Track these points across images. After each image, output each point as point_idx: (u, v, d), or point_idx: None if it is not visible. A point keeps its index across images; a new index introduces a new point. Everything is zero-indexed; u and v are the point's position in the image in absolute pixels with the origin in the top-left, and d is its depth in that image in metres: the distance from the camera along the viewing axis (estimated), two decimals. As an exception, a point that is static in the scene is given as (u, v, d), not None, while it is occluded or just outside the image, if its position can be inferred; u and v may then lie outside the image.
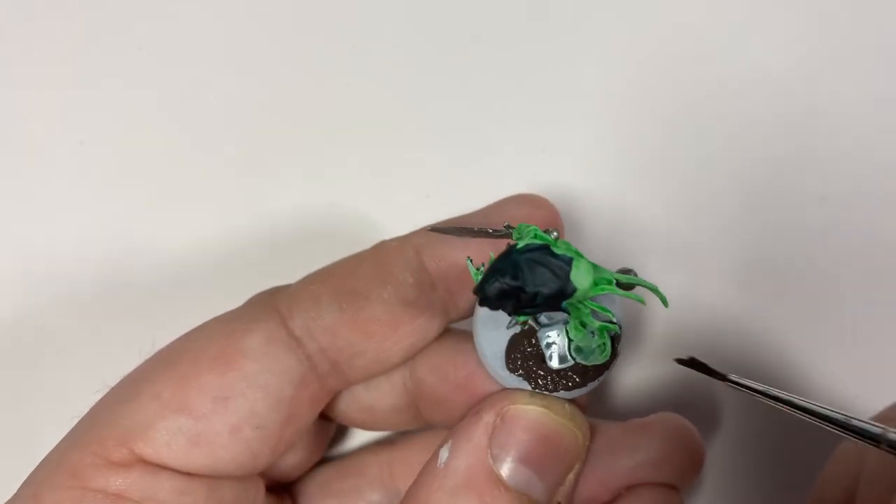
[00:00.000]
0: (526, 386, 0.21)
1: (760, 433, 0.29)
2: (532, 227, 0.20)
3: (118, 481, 0.20)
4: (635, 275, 0.21)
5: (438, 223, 0.24)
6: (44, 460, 0.21)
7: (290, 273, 0.25)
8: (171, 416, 0.21)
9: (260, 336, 0.22)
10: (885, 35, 0.32)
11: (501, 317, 0.21)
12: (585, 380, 0.21)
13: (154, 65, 0.33)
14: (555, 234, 0.20)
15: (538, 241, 0.19)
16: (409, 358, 0.24)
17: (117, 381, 0.23)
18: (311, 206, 0.32)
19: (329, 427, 0.28)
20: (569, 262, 0.19)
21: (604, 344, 0.21)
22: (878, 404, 0.29)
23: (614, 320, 0.21)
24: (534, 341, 0.21)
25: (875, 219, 0.30)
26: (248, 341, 0.22)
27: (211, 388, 0.21)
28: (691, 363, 0.22)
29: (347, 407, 0.25)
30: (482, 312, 0.22)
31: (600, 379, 0.22)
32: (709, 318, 0.30)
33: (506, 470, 0.20)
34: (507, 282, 0.18)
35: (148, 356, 0.23)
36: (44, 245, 0.32)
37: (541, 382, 0.21)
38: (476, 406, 0.21)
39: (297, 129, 0.33)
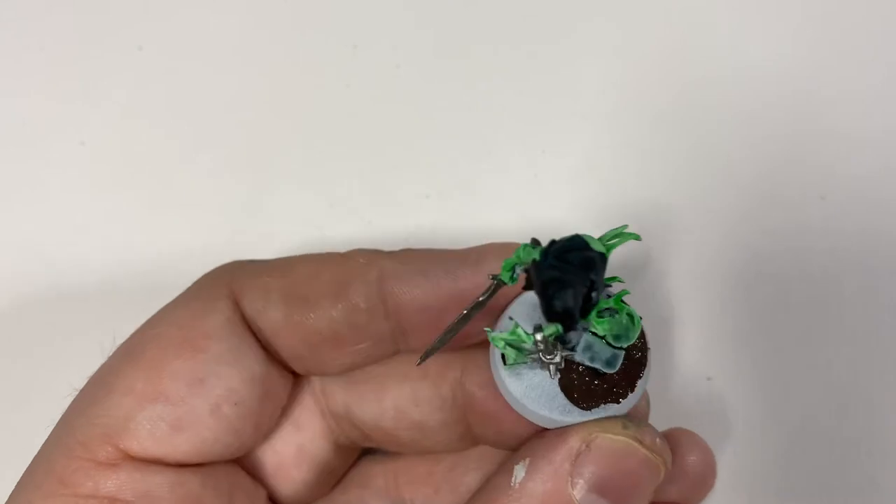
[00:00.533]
0: (590, 416, 0.20)
1: (763, 441, 0.29)
2: (516, 251, 0.19)
3: (108, 483, 0.20)
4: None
5: (411, 250, 0.23)
6: (29, 469, 0.21)
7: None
8: (148, 405, 0.21)
9: (220, 317, 0.22)
10: (885, 35, 0.32)
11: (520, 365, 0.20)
12: (641, 368, 0.20)
13: (154, 65, 0.33)
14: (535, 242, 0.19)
15: (560, 242, 0.18)
16: (356, 369, 0.24)
17: (84, 382, 0.22)
18: (311, 205, 0.32)
19: (348, 456, 0.27)
20: (583, 242, 0.18)
21: (629, 314, 0.20)
22: (878, 404, 0.29)
23: (621, 282, 0.20)
24: (581, 368, 0.20)
25: (875, 219, 0.31)
26: (210, 322, 0.22)
27: (183, 373, 0.21)
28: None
29: (396, 426, 0.24)
30: (499, 363, 0.21)
31: (648, 363, 0.21)
32: (708, 317, 0.30)
33: (585, 499, 0.19)
34: (575, 285, 0.17)
35: (110, 353, 0.23)
36: (43, 245, 0.32)
37: (604, 401, 0.20)
38: (562, 429, 0.20)
39: (297, 129, 0.33)
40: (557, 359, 0.20)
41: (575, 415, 0.20)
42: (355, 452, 0.27)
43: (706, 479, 0.23)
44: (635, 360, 0.20)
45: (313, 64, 0.33)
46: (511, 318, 0.21)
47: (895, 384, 0.29)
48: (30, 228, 0.32)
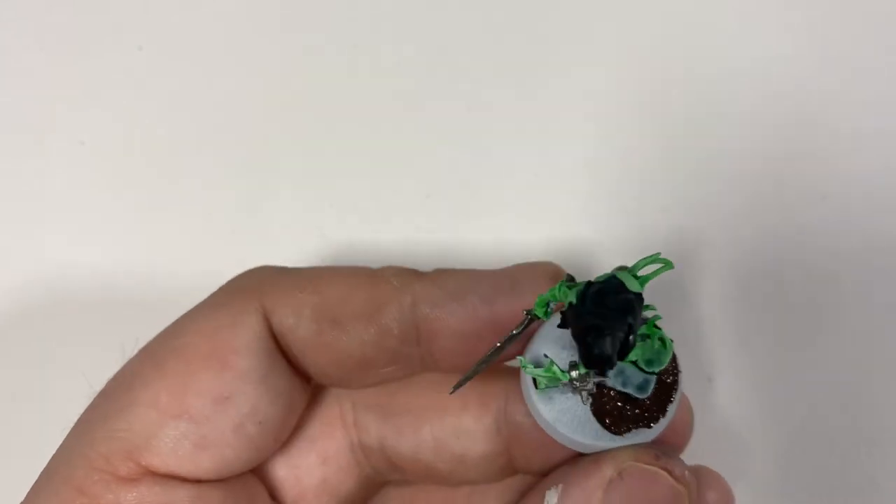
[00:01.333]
0: (622, 441, 0.20)
1: (763, 441, 0.29)
2: (551, 289, 0.19)
3: (129, 497, 0.20)
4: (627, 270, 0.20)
5: (444, 271, 0.23)
6: (46, 474, 0.21)
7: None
8: (172, 422, 0.20)
9: (249, 331, 0.21)
10: (885, 34, 0.32)
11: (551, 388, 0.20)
12: (672, 392, 0.20)
13: (154, 65, 0.33)
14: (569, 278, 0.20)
15: (597, 282, 0.18)
16: (379, 384, 0.24)
17: (103, 384, 0.22)
18: (311, 206, 0.32)
19: (373, 488, 0.26)
20: (619, 283, 0.18)
21: (661, 339, 0.20)
22: (878, 404, 0.29)
23: (653, 309, 0.20)
24: (612, 393, 0.20)
25: (876, 219, 0.30)
26: (239, 337, 0.21)
27: (209, 389, 0.21)
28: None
29: (435, 459, 0.24)
30: (530, 386, 0.21)
31: (679, 387, 0.21)
32: (708, 317, 0.30)
33: None
34: (614, 331, 0.17)
35: (131, 355, 0.22)
36: (43, 244, 0.32)
37: (636, 426, 0.20)
38: (595, 456, 0.21)
39: (297, 129, 0.33)
40: (590, 385, 0.20)
41: (607, 440, 0.20)
42: (380, 485, 0.26)
43: None
44: (667, 384, 0.21)
45: (313, 64, 0.33)
46: (546, 356, 0.21)
47: (895, 384, 0.29)
48: (29, 228, 0.32)
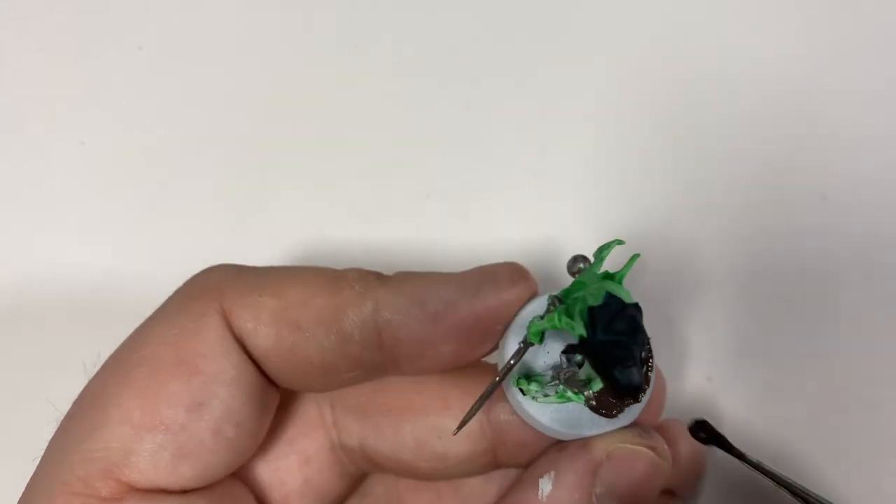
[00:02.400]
0: (618, 423, 0.21)
1: (763, 441, 0.29)
2: (549, 317, 0.19)
3: None
4: (586, 260, 0.21)
5: (406, 275, 0.22)
6: (24, 501, 0.20)
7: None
8: (147, 435, 0.20)
9: (213, 334, 0.21)
10: (885, 34, 0.32)
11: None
12: (648, 362, 0.21)
13: (154, 65, 0.33)
14: (554, 299, 0.20)
15: (592, 303, 0.18)
16: (341, 388, 0.23)
17: (70, 405, 0.21)
18: (311, 205, 0.32)
19: (355, 482, 0.26)
20: (619, 302, 0.19)
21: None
22: (878, 403, 0.29)
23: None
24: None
25: (876, 219, 0.30)
26: (204, 340, 0.21)
27: (181, 397, 0.20)
28: (705, 435, 0.22)
29: (416, 458, 0.24)
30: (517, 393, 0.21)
31: (652, 351, 0.21)
32: (708, 317, 0.30)
33: None
34: (636, 358, 0.18)
35: (94, 370, 0.22)
36: (43, 244, 0.32)
37: (627, 404, 0.21)
38: (583, 441, 0.21)
39: (297, 129, 0.33)
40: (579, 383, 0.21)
41: (604, 425, 0.21)
42: (362, 478, 0.26)
43: (698, 466, 0.24)
44: (642, 358, 0.21)
45: (313, 64, 0.33)
46: (554, 375, 0.21)
47: (895, 384, 0.29)
48: (29, 228, 0.32)
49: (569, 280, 0.21)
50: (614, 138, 0.32)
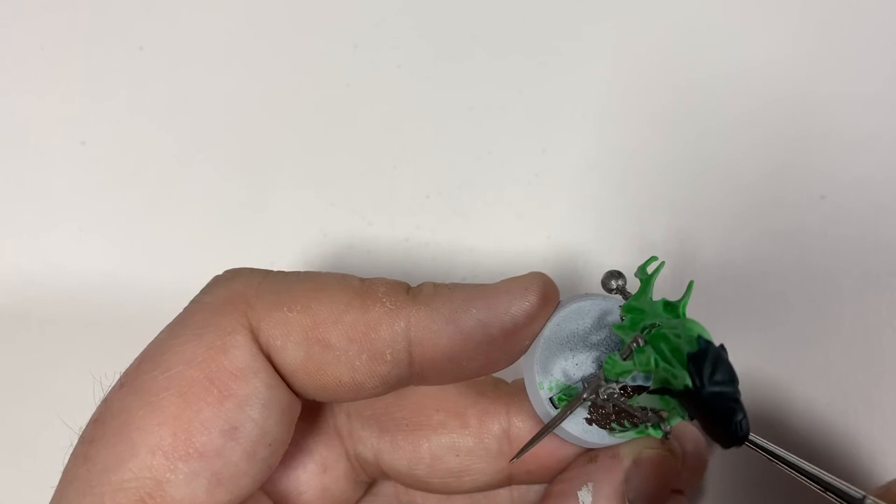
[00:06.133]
0: (633, 434, 0.22)
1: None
2: (641, 361, 0.19)
3: None
4: (622, 277, 0.21)
5: (435, 287, 0.22)
6: None
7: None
8: (181, 464, 0.19)
9: (243, 352, 0.20)
10: (884, 35, 0.32)
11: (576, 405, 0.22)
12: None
13: (155, 65, 0.33)
14: (638, 341, 0.19)
15: (690, 348, 0.18)
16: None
17: (85, 425, 0.20)
18: (311, 205, 0.32)
19: (367, 488, 0.26)
20: (716, 350, 0.19)
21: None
22: (878, 404, 0.29)
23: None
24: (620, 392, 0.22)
25: (875, 219, 0.30)
26: (234, 359, 0.20)
27: (214, 423, 0.19)
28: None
29: (430, 473, 0.24)
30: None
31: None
32: (709, 317, 0.30)
33: None
34: (743, 411, 0.17)
35: (110, 387, 0.21)
36: (44, 244, 0.32)
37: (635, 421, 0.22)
38: (611, 450, 0.22)
39: (297, 129, 0.33)
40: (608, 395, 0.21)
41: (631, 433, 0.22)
42: (373, 484, 0.26)
43: (698, 465, 0.25)
44: None
45: (313, 64, 0.33)
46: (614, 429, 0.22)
47: (895, 384, 0.29)
48: (30, 227, 0.32)
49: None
50: (614, 139, 0.32)
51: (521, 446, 0.23)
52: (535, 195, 0.32)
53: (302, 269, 0.24)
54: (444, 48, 0.33)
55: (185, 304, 0.22)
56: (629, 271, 0.21)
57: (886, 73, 0.32)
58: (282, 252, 0.32)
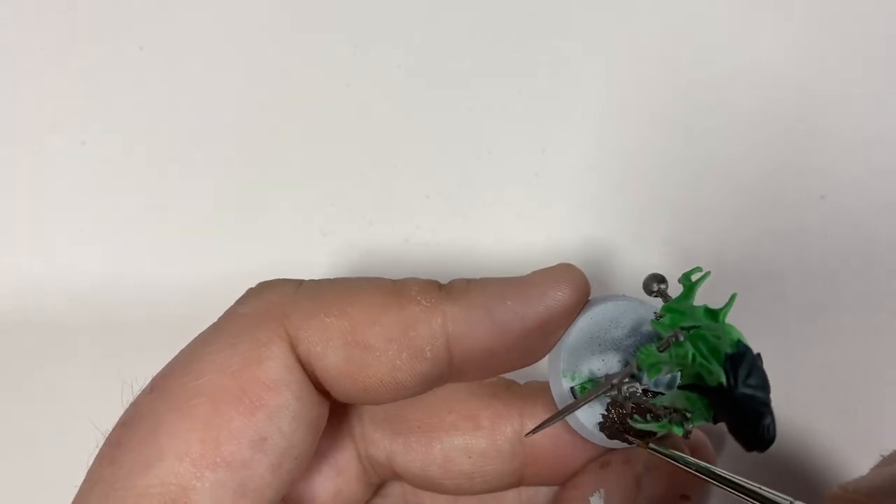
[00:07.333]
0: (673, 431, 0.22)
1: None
2: (673, 354, 0.19)
3: None
4: (664, 281, 0.21)
5: (468, 283, 0.22)
6: None
7: (288, 272, 0.25)
8: (208, 473, 0.19)
9: (277, 364, 0.20)
10: (885, 35, 0.32)
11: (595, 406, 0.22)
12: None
13: (155, 65, 0.33)
14: (680, 336, 0.19)
15: (728, 350, 0.19)
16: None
17: (112, 427, 0.20)
18: (311, 206, 0.32)
19: (377, 488, 0.26)
20: (752, 356, 0.19)
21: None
22: (878, 404, 0.29)
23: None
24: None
25: (875, 219, 0.30)
26: (269, 371, 0.20)
27: (244, 433, 0.19)
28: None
29: (443, 475, 0.24)
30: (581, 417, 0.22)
31: None
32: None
33: None
34: (772, 415, 0.18)
35: (140, 389, 0.21)
36: (44, 244, 0.32)
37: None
38: (624, 456, 0.23)
39: (297, 129, 0.33)
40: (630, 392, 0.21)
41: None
42: (383, 485, 0.26)
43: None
44: None
45: (313, 64, 0.33)
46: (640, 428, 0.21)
47: (895, 384, 0.29)
48: (30, 228, 0.32)
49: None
50: (614, 139, 0.32)
51: (535, 447, 0.23)
52: (535, 195, 0.32)
53: (302, 270, 0.24)
54: (443, 48, 0.33)
55: (185, 303, 0.22)
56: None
57: (887, 73, 0.32)
58: (282, 252, 0.32)
